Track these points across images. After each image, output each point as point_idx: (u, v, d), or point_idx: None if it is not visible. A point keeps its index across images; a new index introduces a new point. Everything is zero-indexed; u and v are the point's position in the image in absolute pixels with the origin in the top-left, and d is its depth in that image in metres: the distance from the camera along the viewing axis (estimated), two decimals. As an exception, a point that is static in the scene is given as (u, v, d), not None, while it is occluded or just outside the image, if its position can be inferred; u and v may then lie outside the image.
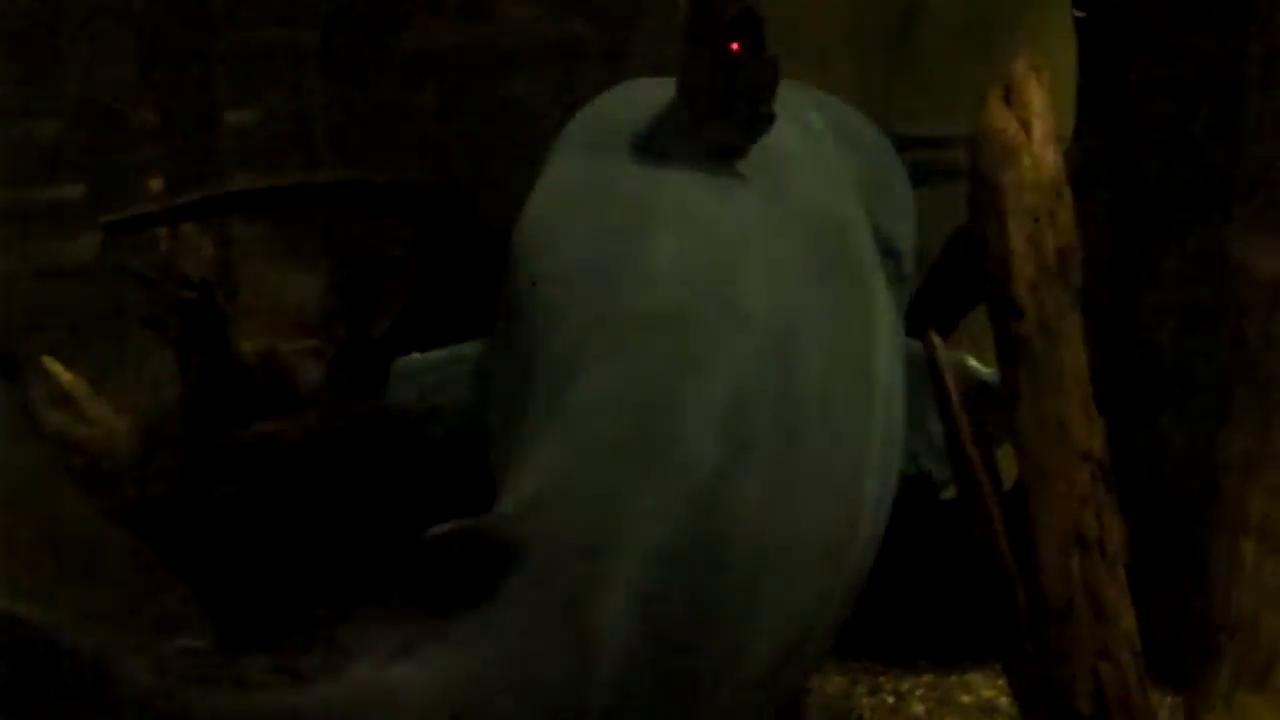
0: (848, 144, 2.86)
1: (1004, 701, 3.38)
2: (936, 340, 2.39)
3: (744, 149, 2.50)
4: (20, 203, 4.72)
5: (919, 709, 3.44)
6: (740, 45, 2.44)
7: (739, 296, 2.37)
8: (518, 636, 1.88)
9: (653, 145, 2.52)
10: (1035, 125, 2.43)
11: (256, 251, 4.36)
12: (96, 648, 1.78)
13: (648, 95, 2.62)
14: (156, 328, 4.16)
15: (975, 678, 3.52)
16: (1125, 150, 3.41)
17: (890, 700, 3.47)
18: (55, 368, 4.04)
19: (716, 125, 2.49)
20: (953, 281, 3.19)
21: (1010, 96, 2.45)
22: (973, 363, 2.68)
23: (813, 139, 2.75)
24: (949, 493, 2.54)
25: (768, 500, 2.19)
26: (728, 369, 2.26)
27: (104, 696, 1.77)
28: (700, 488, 2.11)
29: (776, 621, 2.18)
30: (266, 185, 4.22)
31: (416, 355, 2.86)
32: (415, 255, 4.10)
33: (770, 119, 2.47)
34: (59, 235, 4.76)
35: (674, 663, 1.98)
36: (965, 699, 3.46)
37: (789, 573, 2.21)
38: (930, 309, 3.13)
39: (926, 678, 3.56)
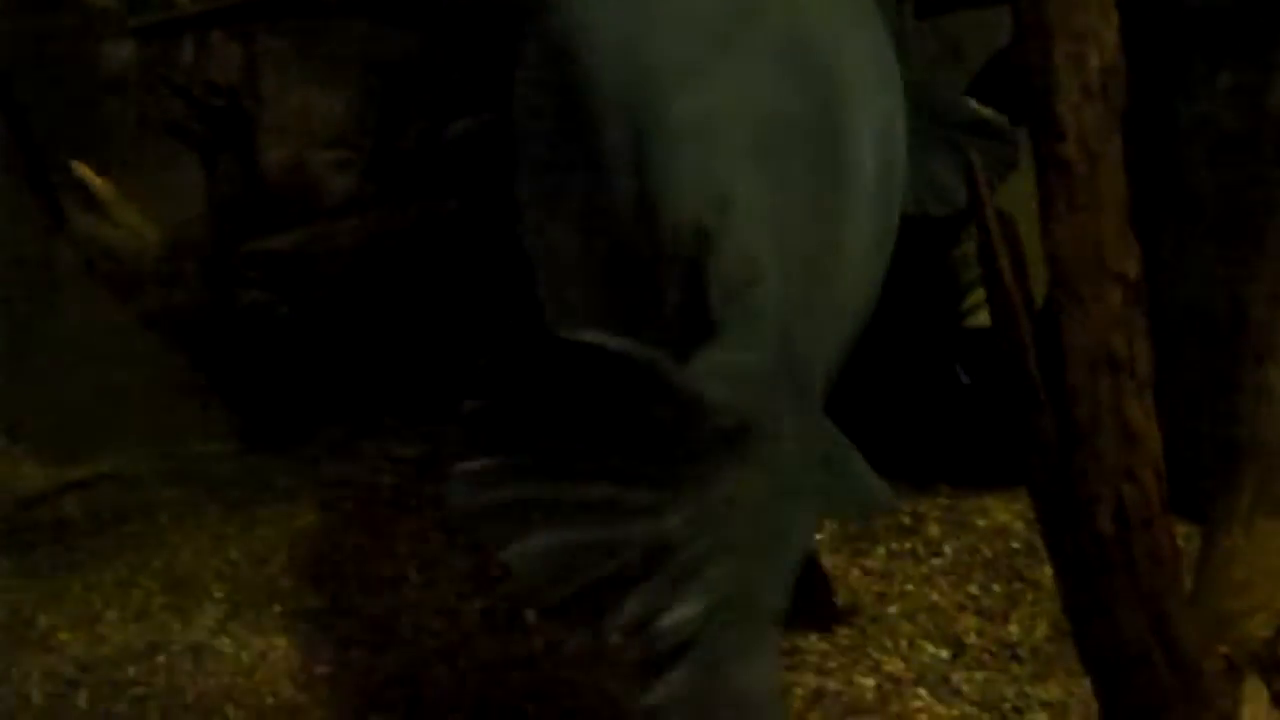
0: None
1: (1019, 526, 3.43)
2: (978, 162, 2.38)
3: None
4: (53, 11, 4.69)
5: (934, 530, 3.47)
6: None
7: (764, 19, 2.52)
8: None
9: None
10: (1084, -60, 2.40)
11: (282, 63, 4.34)
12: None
13: None
14: (183, 135, 4.16)
15: (991, 502, 3.55)
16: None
17: (907, 521, 3.50)
18: (85, 172, 4.05)
19: None
20: (995, 102, 3.17)
21: (1060, -87, 2.41)
22: (974, 103, 2.72)
23: None
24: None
25: None
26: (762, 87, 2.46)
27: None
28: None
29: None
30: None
31: None
32: (442, 66, 4.09)
33: None
34: (92, 42, 4.74)
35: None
36: (980, 522, 3.50)
37: None
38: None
39: (943, 500, 3.59)
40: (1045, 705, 2.86)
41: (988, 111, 2.78)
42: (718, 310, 2.27)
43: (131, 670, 3.16)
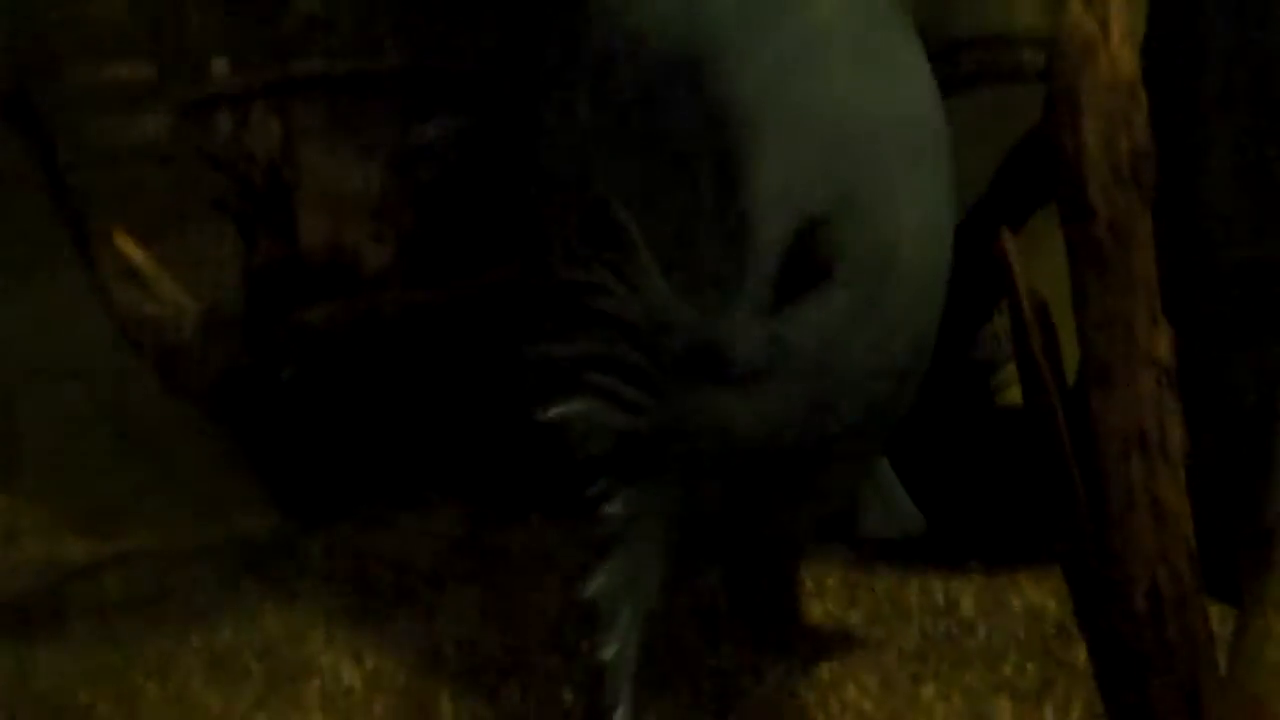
0: None
1: (1052, 605, 3.41)
2: (1009, 241, 2.41)
3: None
4: (88, 83, 4.74)
5: (968, 610, 3.46)
6: None
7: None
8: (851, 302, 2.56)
9: None
10: (1113, 26, 2.43)
11: (320, 136, 4.37)
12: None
13: None
14: (224, 209, 4.19)
15: (1025, 581, 3.54)
16: (1196, 56, 3.38)
17: (940, 601, 3.50)
18: (127, 245, 4.08)
19: None
20: (1022, 180, 3.19)
21: (1089, -3, 2.44)
22: None
23: None
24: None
25: None
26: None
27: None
28: None
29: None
30: (344, 69, 4.23)
31: None
32: (465, 142, 4.12)
33: None
34: (126, 115, 4.78)
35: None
36: (1015, 602, 3.48)
37: None
38: (1000, 207, 3.15)
39: (977, 579, 3.58)
40: (1080, 787, 2.87)
41: None
42: (799, 287, 2.52)
43: (172, 746, 3.19)
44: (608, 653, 2.59)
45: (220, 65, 4.70)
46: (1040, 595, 3.48)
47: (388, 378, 4.02)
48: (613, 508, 2.58)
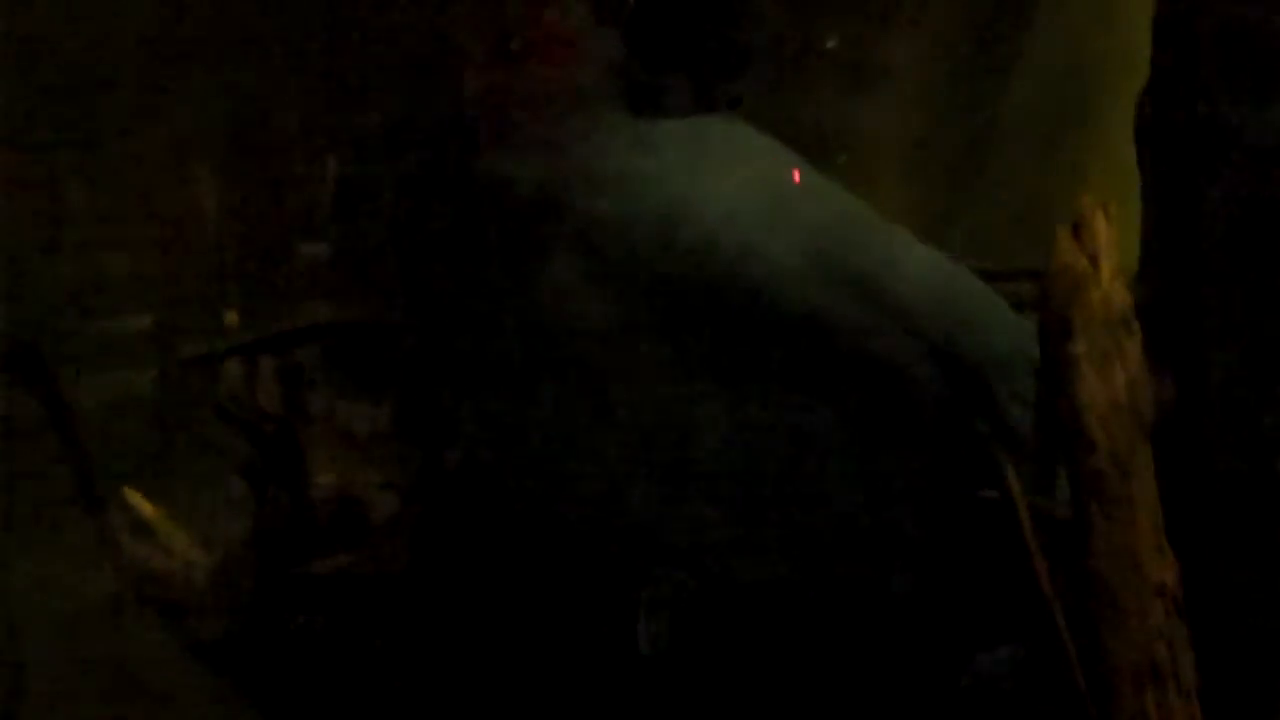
0: None
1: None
2: (1013, 474, 2.43)
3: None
4: (97, 336, 4.80)
5: None
6: None
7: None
8: None
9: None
10: (1103, 261, 2.49)
11: (328, 383, 4.42)
12: None
13: None
14: (232, 461, 4.22)
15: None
16: (1191, 287, 3.41)
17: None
18: (136, 499, 4.10)
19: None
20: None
21: (1079, 232, 2.50)
22: None
23: None
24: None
25: None
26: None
27: None
28: None
29: None
30: (351, 316, 4.30)
31: None
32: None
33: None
34: (134, 368, 4.84)
35: None
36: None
37: None
38: (999, 437, 3.16)
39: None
40: None
41: None
42: None
43: None
44: None
45: (229, 316, 4.77)
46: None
47: (396, 624, 4.01)
48: None
